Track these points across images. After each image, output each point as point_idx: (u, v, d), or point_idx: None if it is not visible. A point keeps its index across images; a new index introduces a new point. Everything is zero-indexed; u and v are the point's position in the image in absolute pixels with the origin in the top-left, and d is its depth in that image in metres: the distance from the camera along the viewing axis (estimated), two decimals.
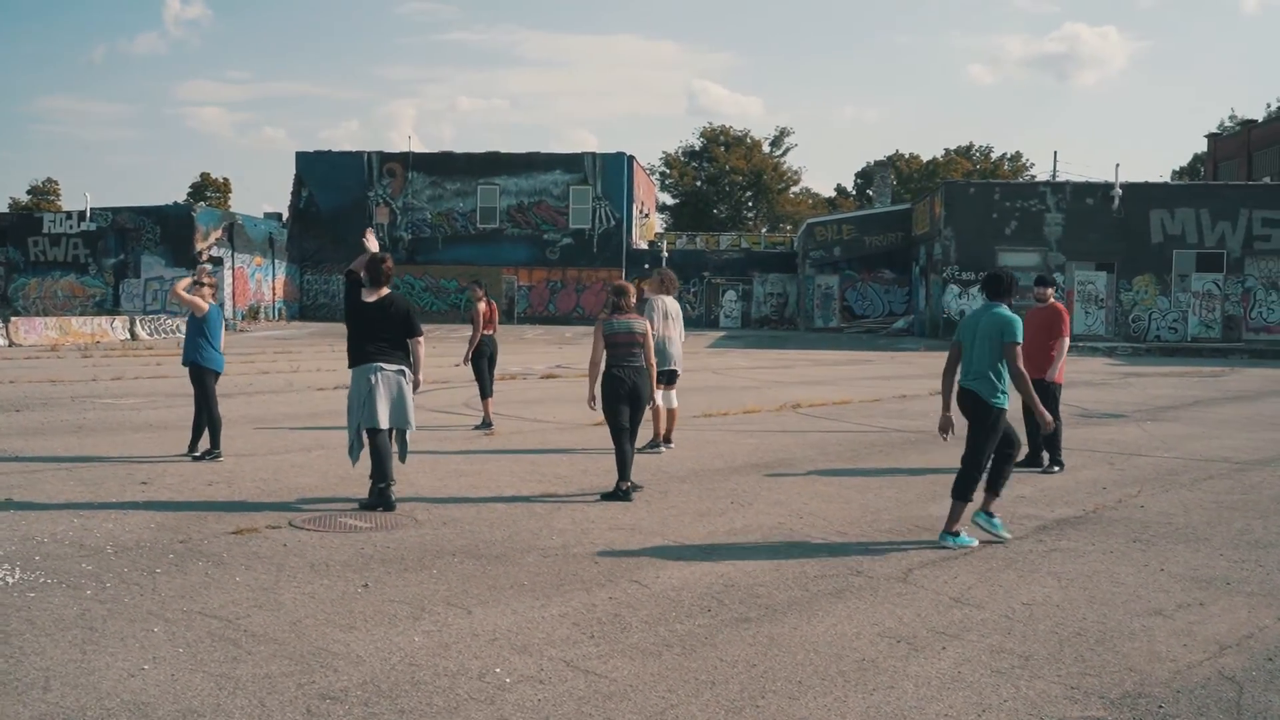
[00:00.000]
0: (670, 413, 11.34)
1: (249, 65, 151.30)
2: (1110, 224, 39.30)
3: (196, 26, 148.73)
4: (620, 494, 8.57)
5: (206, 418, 10.42)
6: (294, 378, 20.37)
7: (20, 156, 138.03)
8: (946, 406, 7.37)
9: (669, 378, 11.21)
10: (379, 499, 8.00)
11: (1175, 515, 8.33)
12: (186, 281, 10.91)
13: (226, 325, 12.32)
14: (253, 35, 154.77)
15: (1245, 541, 7.48)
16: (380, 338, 8.16)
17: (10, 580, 6.03)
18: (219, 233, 46.06)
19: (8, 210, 65.23)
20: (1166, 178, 73.39)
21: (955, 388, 7.38)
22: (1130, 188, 39.63)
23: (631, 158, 51.48)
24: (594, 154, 51.16)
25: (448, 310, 49.53)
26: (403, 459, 8.49)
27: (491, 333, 13.58)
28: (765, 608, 5.74)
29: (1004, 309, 7.23)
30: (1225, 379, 23.90)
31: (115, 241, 46.47)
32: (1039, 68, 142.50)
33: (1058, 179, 47.83)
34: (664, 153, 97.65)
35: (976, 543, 7.21)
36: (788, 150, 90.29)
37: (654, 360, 9.11)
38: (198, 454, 10.35)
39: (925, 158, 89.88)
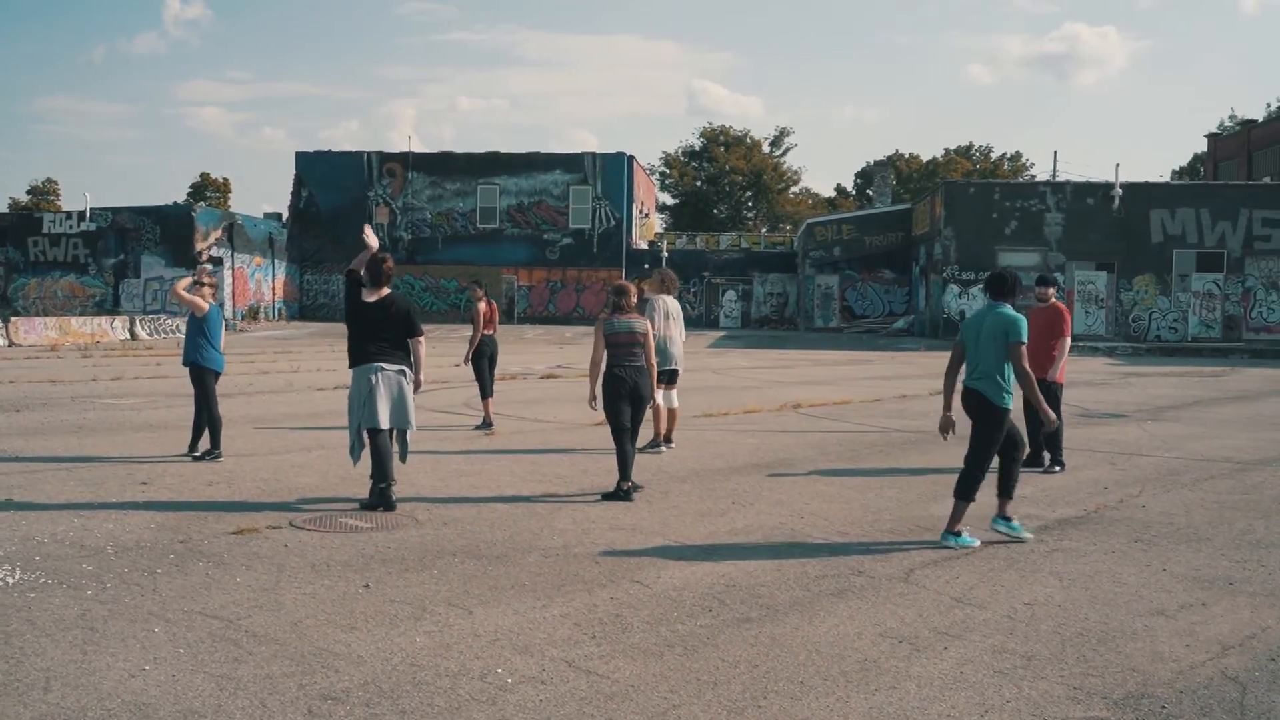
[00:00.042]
0: (671, 412, 11.33)
1: (249, 65, 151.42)
2: (1110, 224, 39.30)
3: (196, 26, 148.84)
4: (621, 494, 8.56)
5: (207, 418, 10.40)
6: (294, 378, 20.37)
7: (20, 156, 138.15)
8: (947, 406, 7.37)
9: (670, 377, 11.21)
10: (380, 499, 7.99)
11: (1177, 515, 8.32)
12: (187, 281, 10.90)
13: (226, 325, 12.31)
14: (253, 35, 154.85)
15: (1247, 541, 7.47)
16: (381, 338, 8.15)
17: (10, 580, 6.02)
18: (219, 233, 46.05)
19: (8, 210, 65.24)
20: (1166, 177, 73.41)
21: (959, 388, 7.37)
22: (1130, 187, 39.63)
23: (631, 158, 51.48)
24: (594, 154, 51.17)
25: (448, 310, 49.52)
26: (403, 459, 8.48)
27: (492, 333, 13.57)
28: (767, 608, 5.73)
29: (1008, 309, 7.22)
30: (1225, 379, 23.90)
31: (115, 241, 46.46)
32: (1039, 68, 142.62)
33: (1058, 179, 47.83)
34: (664, 153, 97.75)
35: (978, 543, 7.20)
36: (788, 150, 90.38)
37: (654, 360, 9.10)
38: (198, 454, 10.34)
39: (925, 158, 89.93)
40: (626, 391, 8.69)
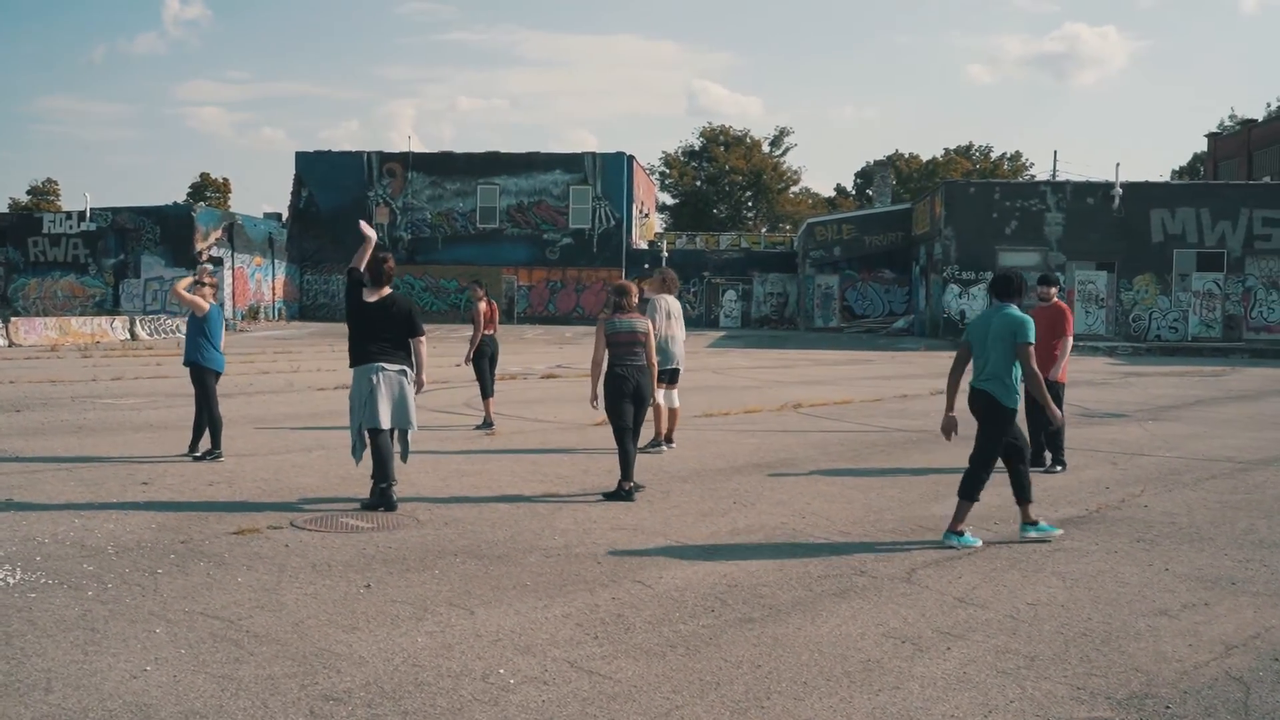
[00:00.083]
0: (672, 412, 11.32)
1: (248, 65, 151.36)
2: (1110, 223, 39.29)
3: (196, 27, 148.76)
4: (623, 494, 8.55)
5: (207, 418, 10.39)
6: (294, 378, 20.36)
7: (20, 156, 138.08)
8: (950, 407, 7.35)
9: (671, 377, 11.20)
10: (381, 499, 7.98)
11: (1179, 515, 8.31)
12: (187, 281, 10.89)
13: (226, 325, 12.29)
14: (252, 35, 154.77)
15: (1250, 541, 7.46)
16: (382, 337, 8.13)
17: (11, 581, 6.01)
18: (219, 233, 46.04)
19: (8, 210, 65.19)
20: (1166, 177, 73.39)
21: (966, 389, 7.36)
22: (1130, 187, 39.62)
23: (631, 158, 51.47)
24: (594, 154, 51.15)
25: (448, 310, 49.51)
26: (404, 459, 8.46)
27: (492, 332, 13.56)
28: (769, 608, 5.72)
29: (1015, 309, 7.22)
30: (1226, 378, 23.89)
31: (115, 242, 46.44)
32: (1038, 67, 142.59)
33: (1058, 178, 47.81)
34: (664, 153, 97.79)
35: (980, 543, 7.18)
36: (787, 150, 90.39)
37: (655, 359, 9.09)
38: (198, 454, 10.33)
39: (925, 157, 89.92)
40: (629, 391, 8.68)
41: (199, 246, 44.81)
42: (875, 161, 67.84)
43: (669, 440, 11.32)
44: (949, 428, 7.28)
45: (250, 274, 47.72)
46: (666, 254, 49.52)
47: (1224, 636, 5.35)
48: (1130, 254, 39.26)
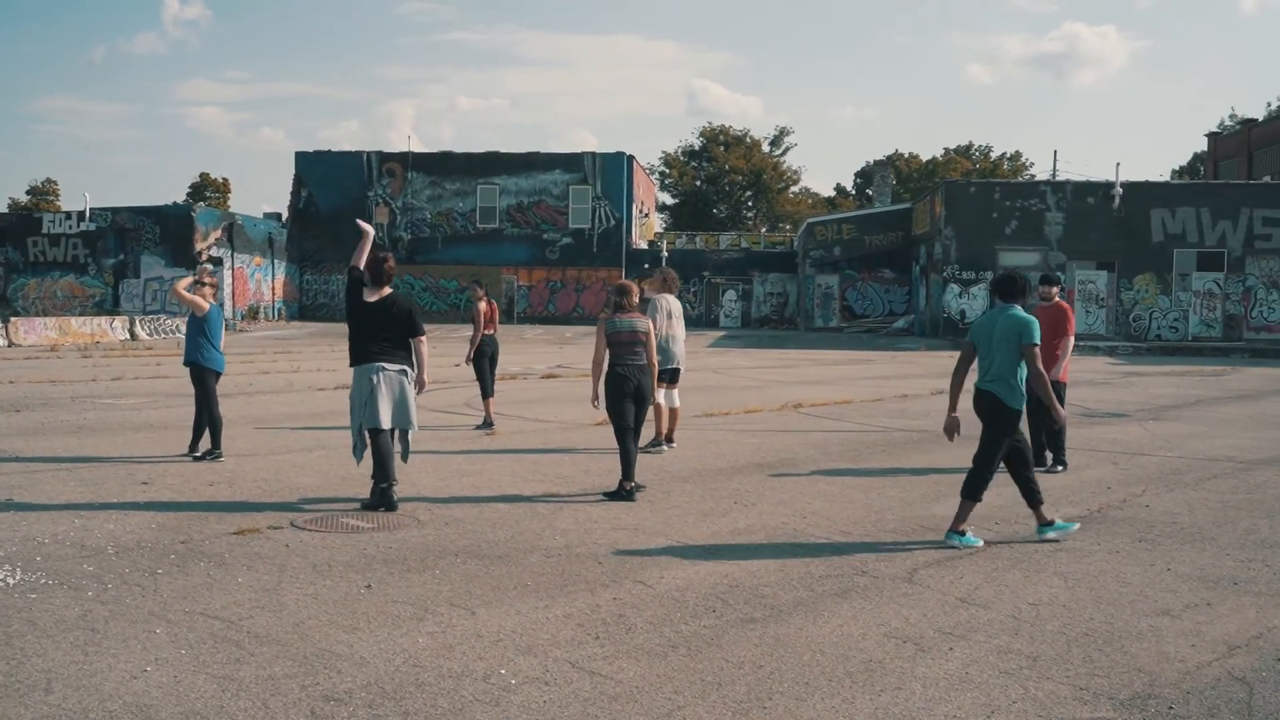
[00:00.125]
0: (672, 412, 11.31)
1: (248, 65, 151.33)
2: (1111, 223, 39.28)
3: (196, 27, 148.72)
4: (624, 494, 8.54)
5: (207, 418, 10.38)
6: (294, 378, 20.34)
7: (20, 156, 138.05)
8: (953, 408, 7.33)
9: (672, 376, 11.19)
10: (381, 499, 7.97)
11: (1180, 515, 8.30)
12: (187, 281, 10.88)
13: (226, 325, 12.28)
14: (252, 35, 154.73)
15: (1252, 541, 7.45)
16: (382, 337, 8.11)
17: (11, 581, 6.00)
18: (218, 233, 46.02)
19: (7, 210, 65.18)
20: (1166, 177, 73.40)
21: (970, 390, 7.34)
22: (1130, 187, 39.62)
23: (631, 157, 51.46)
24: (594, 154, 51.14)
25: (448, 310, 49.50)
26: (405, 459, 8.45)
27: (492, 332, 13.55)
28: (770, 608, 5.70)
29: (1019, 310, 7.21)
30: (1227, 378, 23.88)
31: (115, 241, 46.42)
32: (1038, 67, 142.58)
33: (1058, 178, 47.80)
34: (664, 152, 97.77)
35: (982, 543, 7.17)
36: (787, 150, 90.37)
37: (656, 359, 9.08)
38: (198, 454, 10.32)
39: (925, 157, 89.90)
40: (630, 390, 8.67)
41: (199, 246, 44.80)
42: (875, 161, 67.84)
43: (669, 440, 11.31)
44: (952, 428, 7.27)
45: (250, 274, 47.70)
46: (666, 254, 49.52)
47: (1227, 636, 5.34)
48: (1130, 254, 39.26)
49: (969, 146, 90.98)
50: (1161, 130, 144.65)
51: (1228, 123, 77.42)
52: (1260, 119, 61.34)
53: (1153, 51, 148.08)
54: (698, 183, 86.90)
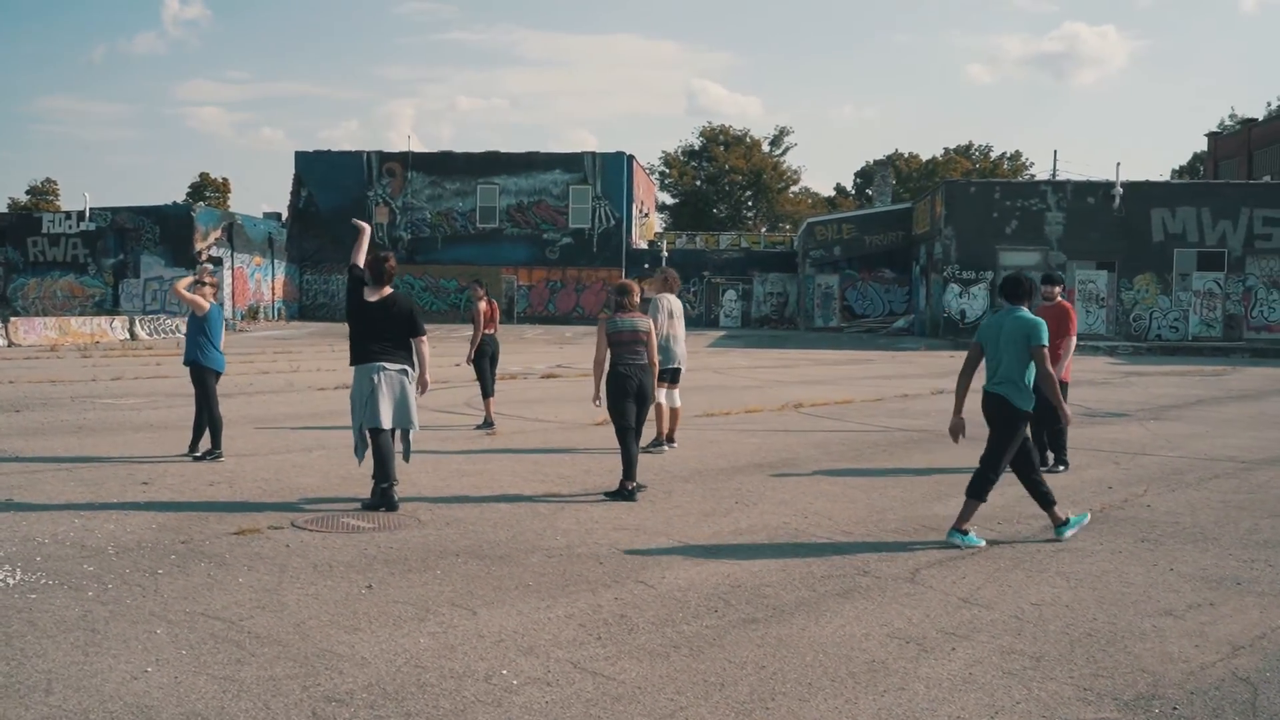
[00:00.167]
0: (673, 412, 11.30)
1: (248, 65, 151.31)
2: (1111, 223, 39.27)
3: (195, 26, 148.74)
4: (625, 494, 8.52)
5: (207, 418, 10.37)
6: (294, 378, 20.33)
7: (20, 156, 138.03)
8: (959, 409, 7.31)
9: (673, 376, 11.17)
10: (382, 499, 7.95)
11: (1183, 515, 8.28)
12: (188, 280, 10.87)
13: (226, 325, 12.27)
14: (252, 35, 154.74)
15: (1254, 541, 7.44)
16: (383, 337, 8.10)
17: (11, 581, 5.98)
18: (218, 233, 46.00)
19: (7, 210, 65.13)
20: (1167, 176, 73.39)
21: (978, 391, 7.32)
22: (1131, 186, 39.60)
23: (631, 157, 51.44)
24: (594, 154, 51.12)
25: (448, 310, 49.48)
26: (406, 459, 8.44)
27: (493, 332, 13.54)
28: (772, 608, 5.69)
29: (1026, 312, 7.20)
30: (1227, 378, 23.87)
31: (115, 241, 46.40)
32: (1038, 67, 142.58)
33: (1058, 178, 47.78)
34: (664, 152, 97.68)
35: (984, 543, 7.16)
36: (787, 150, 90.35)
37: (656, 358, 9.07)
38: (199, 454, 10.30)
39: (925, 157, 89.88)
40: (632, 390, 8.66)
41: (199, 246, 44.78)
42: (875, 161, 67.87)
43: (670, 440, 11.29)
44: (957, 429, 7.25)
45: (250, 274, 47.69)
46: (666, 254, 49.50)
47: (1230, 637, 5.32)
48: (1131, 253, 39.24)
49: (969, 146, 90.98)
50: (1161, 130, 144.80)
51: (1228, 122, 77.43)
52: (1260, 119, 61.35)
53: (1153, 51, 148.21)
54: (698, 183, 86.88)
